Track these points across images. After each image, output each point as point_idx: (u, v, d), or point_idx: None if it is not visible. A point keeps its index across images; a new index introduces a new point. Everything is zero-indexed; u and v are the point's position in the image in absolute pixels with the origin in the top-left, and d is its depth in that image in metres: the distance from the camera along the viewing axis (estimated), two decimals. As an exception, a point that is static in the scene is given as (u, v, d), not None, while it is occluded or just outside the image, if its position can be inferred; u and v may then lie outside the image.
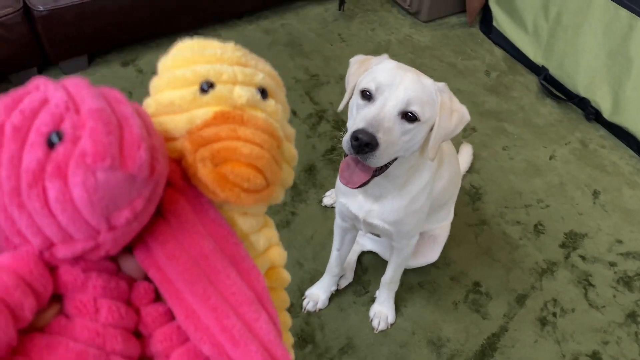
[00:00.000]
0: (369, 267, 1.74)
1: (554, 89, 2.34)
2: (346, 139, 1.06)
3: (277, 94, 0.39)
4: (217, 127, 0.35)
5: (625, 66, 2.01)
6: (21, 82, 1.59)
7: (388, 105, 1.06)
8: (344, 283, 1.68)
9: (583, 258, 1.81)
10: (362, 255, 1.76)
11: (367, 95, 1.10)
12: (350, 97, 1.17)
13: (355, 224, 1.41)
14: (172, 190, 0.34)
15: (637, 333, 1.64)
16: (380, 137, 1.03)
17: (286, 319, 0.44)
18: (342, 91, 2.26)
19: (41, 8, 1.95)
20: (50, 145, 0.28)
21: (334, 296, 1.65)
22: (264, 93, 0.38)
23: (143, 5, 2.16)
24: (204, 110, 0.36)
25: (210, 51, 0.38)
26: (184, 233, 0.33)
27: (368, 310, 1.63)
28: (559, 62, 2.26)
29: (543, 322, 1.65)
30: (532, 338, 1.61)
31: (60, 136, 0.28)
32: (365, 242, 1.74)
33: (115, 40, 2.25)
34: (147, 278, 0.34)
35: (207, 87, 0.36)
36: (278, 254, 0.42)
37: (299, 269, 1.70)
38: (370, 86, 1.09)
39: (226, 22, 2.54)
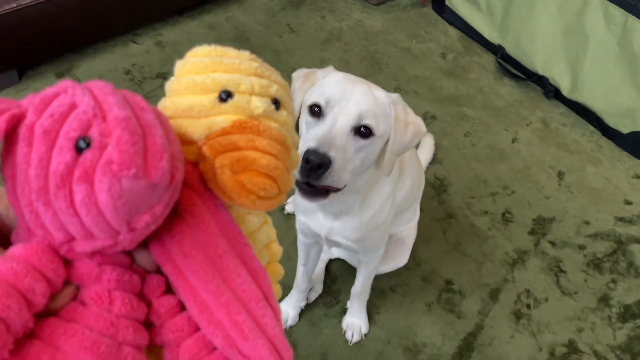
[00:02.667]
0: (338, 275, 1.68)
1: (512, 67, 2.29)
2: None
3: (287, 104, 0.41)
4: (235, 135, 0.37)
5: (581, 42, 1.97)
6: None
7: (339, 121, 0.98)
8: (313, 296, 1.61)
9: (552, 244, 1.79)
10: (330, 263, 1.69)
11: (316, 112, 1.01)
12: (299, 116, 1.08)
13: (318, 241, 1.34)
14: (189, 191, 0.36)
15: (610, 317, 1.63)
16: (333, 155, 0.94)
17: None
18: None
19: (-44, 23, 1.77)
20: (78, 150, 0.29)
21: (304, 311, 1.58)
22: (277, 104, 0.40)
23: (71, 11, 1.99)
24: (223, 118, 0.37)
25: (229, 60, 0.39)
26: (199, 232, 0.35)
27: (340, 322, 1.57)
28: (515, 40, 2.21)
29: (518, 315, 1.62)
30: (508, 333, 1.59)
31: (87, 142, 0.29)
32: (332, 250, 1.67)
33: (45, 51, 2.08)
34: (158, 271, 0.36)
35: (225, 96, 0.38)
36: (276, 249, 0.45)
37: (265, 286, 1.62)
38: (319, 101, 1.00)
39: (166, 20, 2.39)
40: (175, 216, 0.35)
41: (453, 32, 2.48)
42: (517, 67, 2.28)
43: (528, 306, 1.65)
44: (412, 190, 1.37)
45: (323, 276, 1.65)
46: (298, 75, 1.11)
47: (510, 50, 2.25)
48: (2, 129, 0.30)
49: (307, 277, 1.50)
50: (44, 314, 0.32)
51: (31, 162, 0.30)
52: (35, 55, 2.07)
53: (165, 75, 2.15)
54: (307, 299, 1.58)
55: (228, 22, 2.41)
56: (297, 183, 0.98)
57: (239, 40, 2.32)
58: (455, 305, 1.63)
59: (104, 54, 2.22)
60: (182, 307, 0.37)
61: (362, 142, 1.00)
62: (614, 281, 1.71)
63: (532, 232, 1.81)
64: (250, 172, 0.36)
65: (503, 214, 1.85)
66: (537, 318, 1.62)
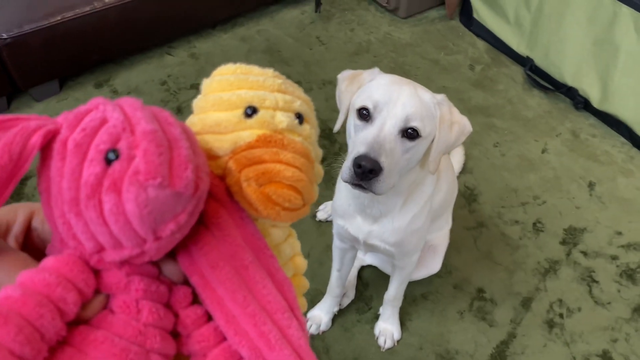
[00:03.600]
0: (370, 282, 1.69)
1: (541, 79, 2.30)
2: (347, 166, 1.00)
3: (310, 118, 0.43)
4: (260, 149, 0.38)
5: (611, 53, 1.97)
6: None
7: (387, 125, 1.01)
8: (346, 302, 1.63)
9: (584, 254, 1.78)
10: (362, 269, 1.71)
11: (364, 115, 1.04)
12: (346, 117, 1.11)
13: (354, 245, 1.36)
14: (215, 204, 0.37)
15: (645, 328, 1.62)
16: (384, 160, 0.97)
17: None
18: (327, 97, 2.20)
19: (5, 35, 1.85)
20: (108, 162, 0.30)
21: (337, 316, 1.60)
22: (300, 118, 0.41)
23: (111, 24, 2.07)
24: (248, 132, 0.38)
25: (254, 78, 0.41)
26: (226, 244, 0.36)
27: (372, 328, 1.59)
28: (544, 52, 2.22)
29: (550, 324, 1.62)
30: (541, 342, 1.58)
31: (116, 154, 0.30)
32: (365, 257, 1.69)
33: (86, 62, 2.15)
34: (185, 282, 0.37)
35: (251, 111, 0.39)
36: (300, 262, 0.46)
37: (298, 291, 1.65)
38: (367, 104, 1.03)
39: (200, 33, 2.45)
40: (203, 228, 0.36)
41: (481, 44, 2.51)
42: (545, 78, 2.29)
43: (561, 315, 1.64)
44: (447, 196, 1.39)
45: (355, 282, 1.67)
46: (343, 77, 1.14)
47: (539, 61, 2.27)
48: (38, 144, 0.31)
49: (341, 283, 1.52)
50: (76, 322, 0.33)
51: (64, 175, 0.31)
52: (76, 66, 2.15)
53: (199, 86, 2.19)
54: (339, 304, 1.60)
55: (259, 34, 2.47)
56: (350, 184, 1.02)
57: (270, 52, 2.37)
58: (487, 313, 1.64)
59: (140, 65, 2.29)
60: (208, 318, 0.37)
61: (409, 143, 1.03)
62: (648, 292, 1.70)
63: (563, 242, 1.81)
64: (275, 184, 0.37)
65: (534, 224, 1.86)
66: (570, 328, 1.62)
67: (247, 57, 2.34)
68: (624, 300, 1.68)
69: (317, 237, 1.75)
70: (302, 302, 0.47)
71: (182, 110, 2.12)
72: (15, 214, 0.37)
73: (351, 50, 2.43)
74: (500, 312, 1.64)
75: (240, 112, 0.39)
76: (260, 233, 0.39)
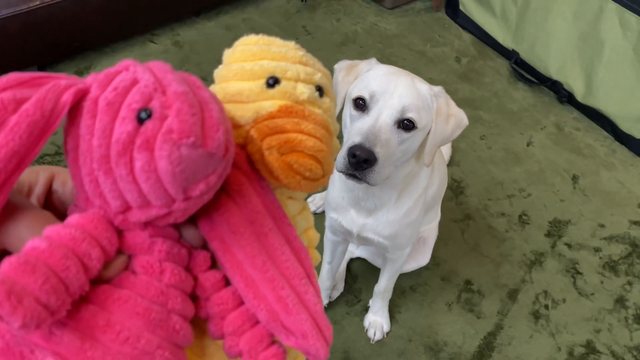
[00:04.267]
0: (359, 274, 1.69)
1: (526, 72, 2.32)
2: (342, 156, 0.99)
3: (330, 92, 0.43)
4: (282, 119, 0.38)
5: (596, 48, 2.00)
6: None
7: (383, 115, 1.00)
8: (335, 294, 1.62)
9: (569, 246, 1.81)
10: (351, 262, 1.71)
11: (360, 105, 1.03)
12: (342, 108, 1.10)
13: (347, 238, 1.35)
14: (237, 172, 0.37)
15: (626, 318, 1.66)
16: (379, 151, 0.97)
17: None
18: (313, 88, 2.17)
19: (-19, 20, 1.78)
20: (140, 121, 0.30)
21: (326, 309, 1.59)
22: (320, 91, 0.41)
23: (93, 9, 2.00)
24: (270, 102, 0.39)
25: (276, 49, 0.41)
26: (247, 210, 0.37)
27: (362, 320, 1.59)
28: (530, 46, 2.24)
29: (536, 315, 1.64)
30: (527, 333, 1.61)
31: (148, 113, 0.30)
32: (354, 249, 1.68)
33: (66, 49, 2.09)
34: (204, 247, 0.37)
35: (273, 82, 0.39)
36: (313, 235, 0.46)
37: (287, 283, 1.64)
38: (364, 94, 1.02)
39: (184, 21, 2.40)
40: (224, 195, 0.37)
41: (467, 36, 2.51)
42: (530, 72, 2.31)
43: (546, 307, 1.67)
44: (439, 189, 1.39)
45: (344, 275, 1.67)
46: (341, 67, 1.13)
47: (525, 55, 2.28)
48: (69, 101, 0.31)
49: (332, 275, 1.51)
50: (97, 282, 0.33)
51: (94, 133, 0.31)
52: (56, 53, 2.08)
53: (183, 74, 2.16)
54: (329, 297, 1.60)
55: (245, 23, 2.43)
56: (343, 174, 1.00)
57: (256, 41, 2.33)
58: (474, 305, 1.65)
59: (122, 52, 2.23)
60: (226, 282, 0.38)
61: (405, 134, 1.02)
62: (629, 283, 1.73)
63: (548, 234, 1.84)
64: (297, 154, 0.38)
65: (520, 216, 1.88)
66: (555, 318, 1.64)
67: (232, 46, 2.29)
68: (607, 291, 1.72)
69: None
70: (316, 256, 0.48)
71: (166, 100, 2.07)
72: (37, 175, 0.37)
73: (338, 41, 2.41)
74: (487, 304, 1.66)
75: (262, 82, 0.39)
76: (278, 202, 0.39)
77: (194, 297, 0.38)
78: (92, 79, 0.33)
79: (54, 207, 0.38)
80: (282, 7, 2.54)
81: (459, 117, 1.09)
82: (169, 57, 2.23)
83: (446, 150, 1.96)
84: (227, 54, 0.42)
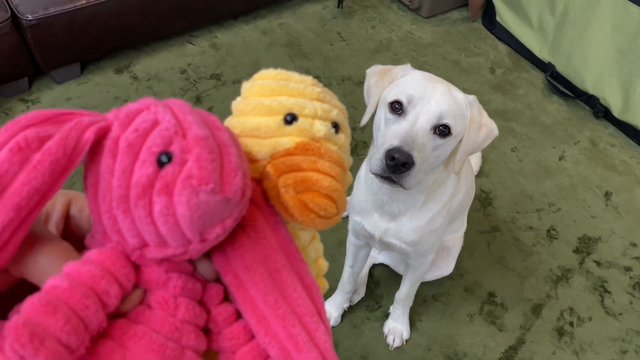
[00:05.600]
0: (381, 280, 1.70)
1: (561, 86, 2.28)
2: (378, 158, 1.00)
3: (345, 127, 0.43)
4: (299, 157, 0.39)
5: (636, 63, 1.95)
6: (11, 93, 1.51)
7: (420, 120, 1.01)
8: (356, 299, 1.63)
9: (598, 263, 1.77)
10: (374, 268, 1.71)
11: (396, 109, 1.04)
12: (374, 112, 1.11)
13: (369, 242, 1.36)
14: (252, 207, 0.37)
15: (655, 341, 1.61)
16: (416, 155, 0.98)
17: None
18: (345, 93, 2.19)
19: (30, 17, 1.86)
20: (160, 164, 0.31)
21: (347, 313, 1.60)
22: (336, 127, 0.42)
23: (135, 10, 2.07)
24: (287, 139, 0.39)
25: (294, 85, 0.42)
26: (260, 246, 0.37)
27: (382, 326, 1.59)
28: (567, 59, 2.21)
29: (560, 332, 1.62)
30: (549, 350, 1.58)
31: (169, 157, 0.31)
32: (377, 255, 1.69)
33: (107, 47, 2.17)
34: (217, 280, 0.38)
35: (290, 118, 0.39)
36: (323, 265, 0.47)
37: (309, 285, 1.65)
38: (401, 98, 1.03)
39: (222, 23, 2.46)
40: (239, 230, 0.37)
41: (502, 47, 2.49)
42: (566, 85, 2.27)
43: (571, 324, 1.64)
44: (465, 199, 1.39)
45: (366, 280, 1.67)
46: (373, 71, 1.14)
47: (561, 68, 2.25)
48: (90, 140, 0.32)
49: (353, 279, 1.52)
50: (114, 316, 0.33)
51: (114, 173, 0.32)
52: (98, 51, 2.16)
53: (219, 76, 2.21)
54: (350, 301, 1.61)
55: (281, 28, 2.47)
56: (378, 177, 1.02)
57: (291, 46, 2.37)
58: (497, 318, 1.63)
59: (161, 52, 2.30)
60: (238, 316, 0.38)
61: (440, 140, 1.03)
62: (660, 305, 1.69)
63: (577, 251, 1.80)
64: (313, 193, 0.38)
65: (548, 230, 1.85)
66: (580, 336, 1.61)
67: (268, 50, 2.34)
68: (636, 312, 1.67)
69: (330, 233, 1.75)
70: (324, 285, 0.48)
71: (202, 100, 2.12)
72: (54, 201, 0.38)
73: (372, 48, 2.43)
74: (510, 317, 1.64)
75: (280, 118, 0.40)
76: (292, 237, 0.39)
77: (206, 330, 0.38)
78: (113, 116, 0.33)
79: (71, 231, 0.38)
80: (318, 12, 2.58)
81: (490, 127, 1.09)
82: (205, 59, 2.29)
83: (476, 161, 1.95)
84: (246, 88, 0.43)
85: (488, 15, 2.54)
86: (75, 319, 0.30)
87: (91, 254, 0.33)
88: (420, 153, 0.98)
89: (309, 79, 0.43)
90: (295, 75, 0.43)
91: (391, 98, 1.04)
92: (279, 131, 0.39)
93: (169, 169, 0.31)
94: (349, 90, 2.22)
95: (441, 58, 2.42)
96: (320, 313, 0.39)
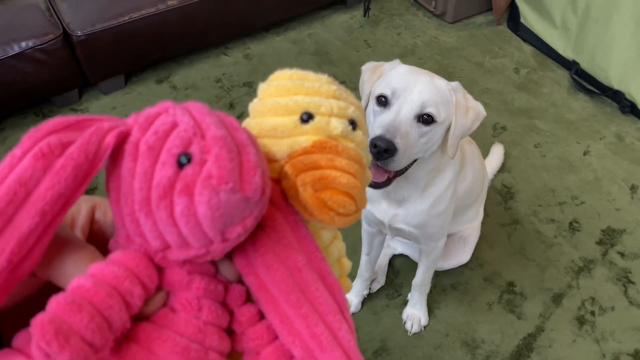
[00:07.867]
0: (401, 270, 1.76)
1: (586, 83, 2.29)
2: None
3: (362, 124, 0.44)
4: (316, 155, 0.39)
5: (659, 56, 1.95)
6: (63, 104, 1.70)
7: (404, 110, 1.09)
8: (376, 287, 1.70)
9: (622, 255, 1.77)
10: (394, 258, 1.78)
11: (382, 102, 1.12)
12: (367, 105, 1.20)
13: (381, 229, 1.43)
14: (272, 207, 0.38)
15: (681, 330, 1.59)
16: (398, 142, 1.05)
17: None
18: (370, 96, 2.28)
19: (79, 33, 2.06)
20: (180, 165, 0.32)
21: (367, 300, 1.67)
22: (353, 124, 0.42)
23: (173, 24, 2.25)
24: (304, 138, 0.39)
25: (309, 84, 0.42)
26: (281, 246, 0.37)
27: (401, 313, 1.65)
28: (590, 56, 2.22)
29: (581, 321, 1.62)
30: (569, 338, 1.59)
31: (188, 158, 0.32)
32: (396, 246, 1.75)
33: (149, 59, 2.35)
34: (239, 281, 0.38)
35: (307, 117, 0.40)
36: (346, 264, 0.46)
37: (331, 274, 1.73)
38: (386, 92, 1.11)
39: (254, 35, 2.61)
40: (259, 230, 0.37)
41: (527, 48, 2.52)
42: (591, 82, 2.28)
43: (592, 313, 1.64)
44: (474, 186, 1.44)
45: (386, 270, 1.74)
46: (367, 67, 1.23)
47: (585, 65, 2.26)
48: (111, 144, 0.32)
49: (371, 266, 1.59)
50: (137, 318, 0.34)
51: (136, 176, 0.32)
52: (140, 63, 2.35)
53: (251, 84, 2.35)
54: (369, 288, 1.68)
55: (310, 38, 2.60)
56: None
57: (319, 54, 2.49)
58: (516, 306, 1.66)
59: (198, 63, 2.47)
60: (261, 316, 0.38)
61: (425, 128, 1.10)
62: (687, 296, 1.67)
63: (600, 242, 1.81)
64: (331, 190, 0.38)
65: (570, 223, 1.86)
66: (601, 325, 1.61)
67: (297, 59, 2.46)
68: (661, 302, 1.66)
69: (353, 226, 1.82)
70: (348, 285, 0.50)
71: (234, 106, 2.26)
72: (79, 206, 0.38)
73: (397, 53, 2.51)
74: (529, 306, 1.66)
75: (296, 117, 0.40)
76: (312, 236, 0.40)
77: (229, 331, 0.39)
78: (133, 121, 0.34)
79: (96, 235, 0.39)
80: (345, 22, 2.69)
81: (476, 109, 1.15)
82: (239, 68, 2.44)
83: (498, 157, 1.99)
84: (262, 89, 0.43)
85: (512, 18, 2.58)
86: (99, 318, 0.30)
87: (115, 256, 0.34)
88: (404, 140, 1.05)
89: (324, 77, 0.43)
90: (311, 75, 0.44)
91: (377, 92, 1.12)
92: (296, 130, 0.40)
93: (188, 169, 0.31)
94: (374, 93, 2.31)
95: (465, 60, 2.48)
96: (343, 312, 0.39)
